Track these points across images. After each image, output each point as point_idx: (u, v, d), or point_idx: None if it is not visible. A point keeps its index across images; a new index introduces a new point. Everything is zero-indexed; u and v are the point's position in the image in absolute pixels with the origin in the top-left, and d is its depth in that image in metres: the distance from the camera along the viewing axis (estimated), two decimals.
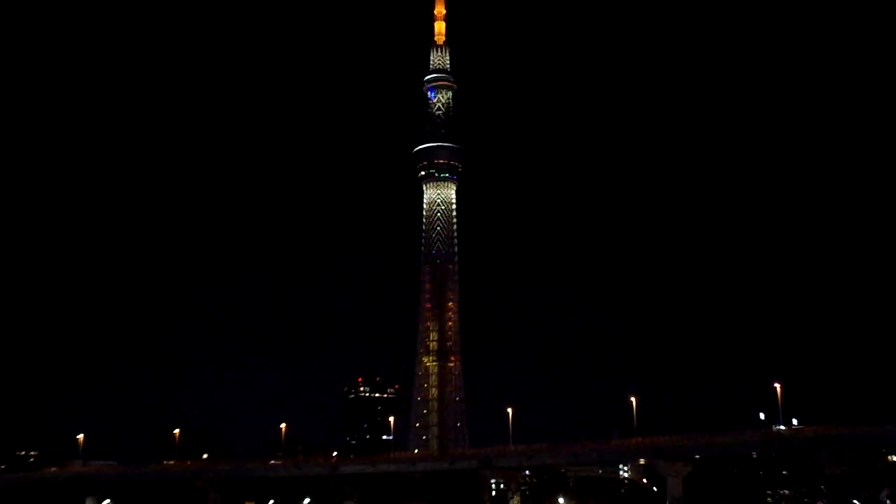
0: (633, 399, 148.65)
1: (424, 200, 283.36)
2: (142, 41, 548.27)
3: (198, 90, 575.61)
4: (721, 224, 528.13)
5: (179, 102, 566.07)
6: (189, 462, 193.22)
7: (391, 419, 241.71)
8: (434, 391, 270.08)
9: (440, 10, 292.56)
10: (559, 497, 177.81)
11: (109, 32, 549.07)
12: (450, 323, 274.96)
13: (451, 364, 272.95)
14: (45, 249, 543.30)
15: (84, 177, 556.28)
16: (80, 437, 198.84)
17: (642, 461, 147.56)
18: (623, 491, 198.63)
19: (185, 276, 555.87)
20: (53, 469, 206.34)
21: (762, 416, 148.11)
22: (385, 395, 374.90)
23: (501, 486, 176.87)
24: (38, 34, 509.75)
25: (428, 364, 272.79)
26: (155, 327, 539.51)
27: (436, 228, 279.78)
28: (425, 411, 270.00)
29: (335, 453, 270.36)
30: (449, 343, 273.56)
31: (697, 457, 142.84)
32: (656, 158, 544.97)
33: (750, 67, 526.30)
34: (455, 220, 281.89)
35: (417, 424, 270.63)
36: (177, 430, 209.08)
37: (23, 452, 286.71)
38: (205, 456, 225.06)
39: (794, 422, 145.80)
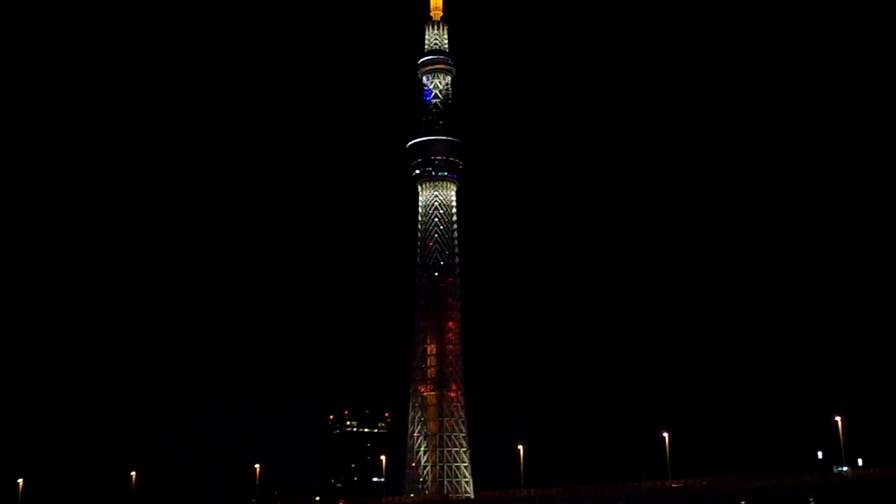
0: (665, 435, 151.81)
1: (420, 203, 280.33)
2: (134, 28, 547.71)
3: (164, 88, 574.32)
4: (767, 233, 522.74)
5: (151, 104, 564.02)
6: None
7: (382, 458, 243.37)
8: (432, 425, 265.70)
9: None
10: None
11: (100, 27, 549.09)
12: (450, 346, 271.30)
13: (452, 394, 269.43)
14: None
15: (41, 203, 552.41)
16: (20, 482, 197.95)
17: None
18: None
19: (142, 297, 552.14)
20: None
21: (820, 455, 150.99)
22: (375, 431, 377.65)
23: None
24: (39, 34, 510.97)
25: (424, 394, 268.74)
26: (107, 351, 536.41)
27: (433, 236, 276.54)
28: (422, 449, 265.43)
29: (317, 498, 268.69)
30: (449, 369, 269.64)
31: (743, 502, 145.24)
32: (696, 159, 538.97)
33: (760, 66, 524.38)
34: (456, 227, 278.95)
35: (413, 464, 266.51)
36: (133, 474, 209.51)
37: None
38: None
39: (860, 462, 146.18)
